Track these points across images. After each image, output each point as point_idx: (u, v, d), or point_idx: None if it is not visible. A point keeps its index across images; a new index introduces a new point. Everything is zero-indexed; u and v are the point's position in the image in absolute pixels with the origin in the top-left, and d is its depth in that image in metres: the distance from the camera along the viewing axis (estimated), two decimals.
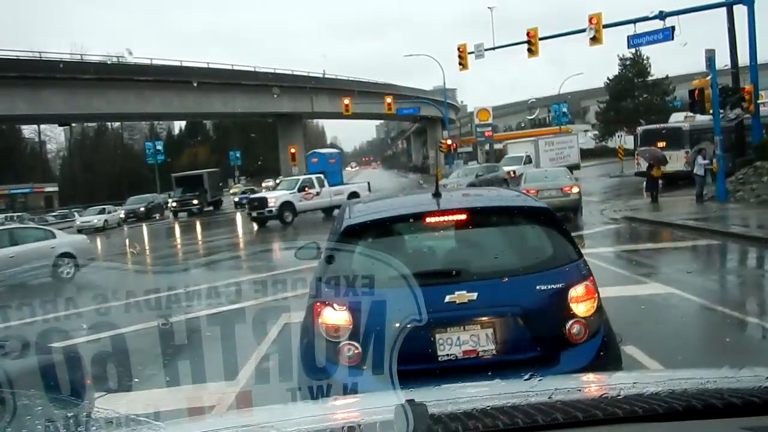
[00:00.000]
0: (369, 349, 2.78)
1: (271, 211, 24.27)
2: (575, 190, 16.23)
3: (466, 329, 3.07)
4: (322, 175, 27.22)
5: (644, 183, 20.50)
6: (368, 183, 31.26)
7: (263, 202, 24.87)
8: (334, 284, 3.15)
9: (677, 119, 28.99)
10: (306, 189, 25.54)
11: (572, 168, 33.74)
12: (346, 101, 37.06)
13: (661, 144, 22.47)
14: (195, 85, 39.92)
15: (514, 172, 30.32)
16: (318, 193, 25.92)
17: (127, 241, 27.55)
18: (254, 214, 25.04)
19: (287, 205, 24.75)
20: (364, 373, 2.79)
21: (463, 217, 3.43)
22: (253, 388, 4.17)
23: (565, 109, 59.30)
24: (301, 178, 27.33)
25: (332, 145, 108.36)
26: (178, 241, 23.75)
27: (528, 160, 33.04)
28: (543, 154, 34.92)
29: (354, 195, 26.03)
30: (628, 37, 22.96)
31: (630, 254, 11.52)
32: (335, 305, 3.07)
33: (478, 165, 33.53)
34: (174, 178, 44.71)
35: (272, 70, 47.81)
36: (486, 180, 25.82)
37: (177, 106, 42.45)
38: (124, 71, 40.09)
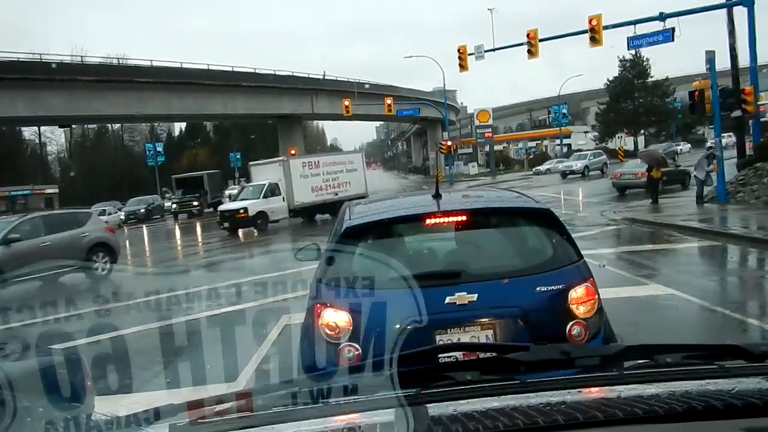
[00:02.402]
0: (369, 351, 2.78)
1: None
2: (644, 176, 20.47)
3: (467, 330, 3.07)
4: None
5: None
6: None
7: None
8: (335, 285, 3.15)
9: None
10: None
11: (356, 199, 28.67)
12: (347, 102, 37.12)
13: None
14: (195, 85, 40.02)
15: (246, 209, 22.28)
16: None
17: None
18: None
19: None
20: (364, 375, 2.79)
21: (464, 218, 3.43)
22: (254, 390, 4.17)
23: (565, 111, 59.41)
24: None
25: (332, 147, 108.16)
26: (179, 243, 23.71)
27: (272, 191, 23.76)
28: (299, 181, 24.82)
29: None
30: (628, 38, 22.95)
31: (630, 255, 11.52)
32: (335, 307, 3.07)
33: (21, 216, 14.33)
34: (174, 180, 44.69)
35: (272, 72, 47.87)
36: (46, 248, 12.80)
37: (177, 107, 42.44)
38: (124, 73, 40.18)
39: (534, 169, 49.43)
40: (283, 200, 24.08)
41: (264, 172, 25.40)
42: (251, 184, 25.41)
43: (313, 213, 25.57)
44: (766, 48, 23.21)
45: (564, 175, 38.34)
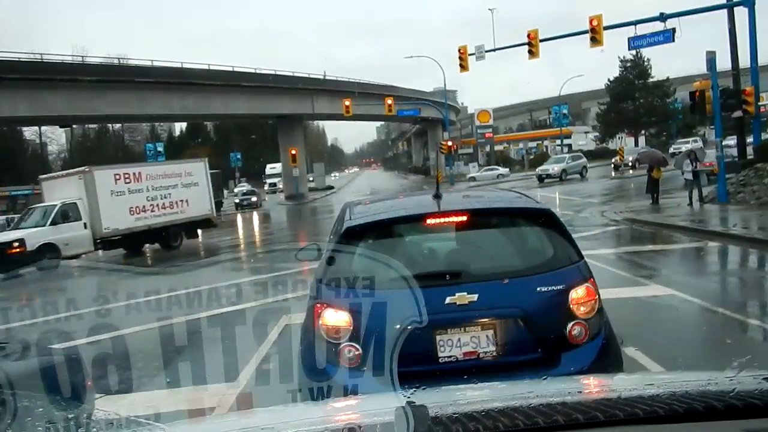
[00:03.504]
0: (369, 351, 2.78)
1: None
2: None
3: (467, 331, 3.07)
4: None
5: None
6: None
7: None
8: (335, 285, 3.14)
9: None
10: None
11: (200, 224, 22.01)
12: (347, 102, 37.12)
13: None
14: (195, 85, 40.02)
15: (22, 242, 16.11)
16: None
17: None
18: None
19: None
20: (364, 375, 2.79)
21: (464, 218, 3.43)
22: (254, 390, 4.18)
23: (565, 111, 59.39)
24: None
25: (332, 147, 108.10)
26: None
27: (65, 215, 17.58)
28: (111, 200, 18.35)
29: None
30: (628, 38, 22.97)
31: (631, 256, 11.51)
32: (336, 307, 3.07)
33: None
34: None
35: (273, 72, 47.85)
36: None
37: (178, 107, 42.41)
38: (124, 73, 40.15)
39: (468, 176, 49.32)
40: (85, 227, 17.83)
41: (59, 189, 18.47)
42: (37, 205, 19.00)
43: (137, 243, 19.74)
44: (767, 48, 23.25)
45: (540, 179, 36.97)
